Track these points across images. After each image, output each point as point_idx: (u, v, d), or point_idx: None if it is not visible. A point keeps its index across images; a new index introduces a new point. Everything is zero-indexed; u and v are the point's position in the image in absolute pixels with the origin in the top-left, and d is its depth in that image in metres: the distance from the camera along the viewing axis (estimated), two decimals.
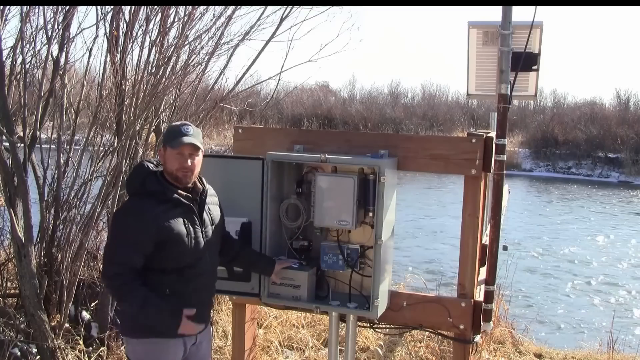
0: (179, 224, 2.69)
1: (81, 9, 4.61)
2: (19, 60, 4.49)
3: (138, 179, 2.74)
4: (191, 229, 2.72)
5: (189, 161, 2.72)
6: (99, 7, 4.65)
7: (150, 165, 2.78)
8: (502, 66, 3.17)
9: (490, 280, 3.27)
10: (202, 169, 2.83)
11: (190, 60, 4.90)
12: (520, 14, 3.20)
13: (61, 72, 4.60)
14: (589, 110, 27.98)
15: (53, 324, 4.37)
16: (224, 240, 3.01)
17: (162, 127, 5.09)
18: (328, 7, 5.01)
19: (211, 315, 3.01)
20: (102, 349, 4.44)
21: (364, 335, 5.11)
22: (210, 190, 2.91)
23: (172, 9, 4.68)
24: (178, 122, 2.83)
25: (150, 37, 4.71)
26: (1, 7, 4.14)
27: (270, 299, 3.18)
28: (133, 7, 4.60)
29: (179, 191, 2.72)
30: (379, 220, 2.94)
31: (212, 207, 2.88)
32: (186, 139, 2.70)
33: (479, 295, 3.31)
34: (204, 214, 2.80)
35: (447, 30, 78.56)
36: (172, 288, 2.70)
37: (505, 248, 4.09)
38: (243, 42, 5.04)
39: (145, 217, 2.64)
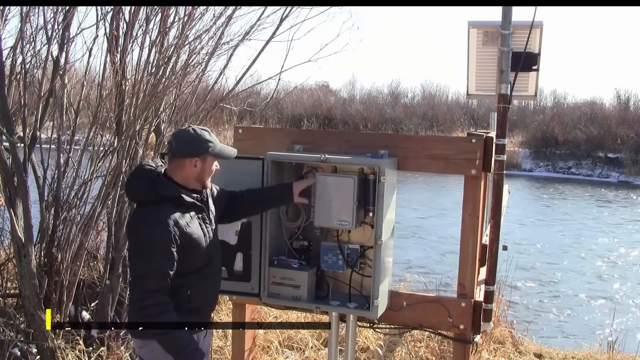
0: (197, 228, 2.67)
1: (81, 9, 4.62)
2: (19, 60, 4.51)
3: (147, 185, 2.63)
4: (205, 229, 2.72)
5: None
6: (99, 7, 4.65)
7: (151, 168, 2.70)
8: (502, 66, 3.16)
9: (490, 280, 3.27)
10: None
11: (190, 60, 4.90)
12: (520, 14, 3.20)
13: (61, 72, 4.61)
14: (589, 110, 27.96)
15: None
16: (232, 199, 2.96)
17: (162, 127, 5.08)
18: (328, 7, 5.00)
19: (211, 315, 3.01)
20: (102, 349, 4.44)
21: (364, 335, 5.11)
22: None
23: (172, 9, 4.68)
24: (202, 128, 2.70)
25: (150, 37, 4.71)
26: (1, 7, 4.14)
27: (270, 299, 3.18)
28: (133, 7, 4.60)
29: (191, 193, 2.68)
30: (379, 220, 2.94)
31: (210, 201, 2.86)
32: (234, 152, 2.79)
33: (479, 295, 3.31)
34: (209, 211, 2.80)
35: (447, 30, 78.70)
36: (193, 289, 2.68)
37: (505, 248, 4.09)
38: (243, 42, 5.03)
39: (169, 225, 2.54)
